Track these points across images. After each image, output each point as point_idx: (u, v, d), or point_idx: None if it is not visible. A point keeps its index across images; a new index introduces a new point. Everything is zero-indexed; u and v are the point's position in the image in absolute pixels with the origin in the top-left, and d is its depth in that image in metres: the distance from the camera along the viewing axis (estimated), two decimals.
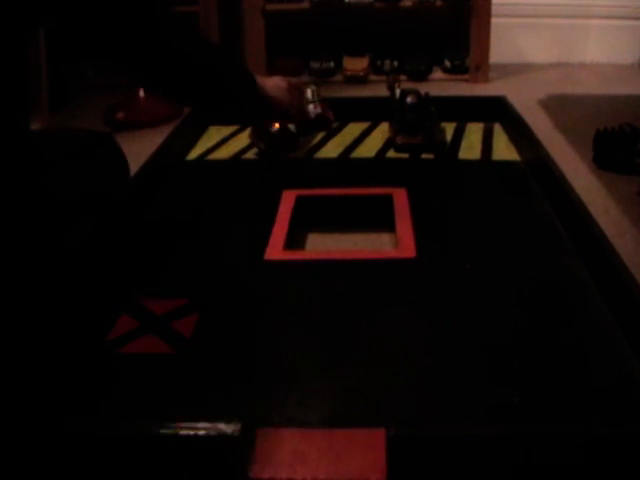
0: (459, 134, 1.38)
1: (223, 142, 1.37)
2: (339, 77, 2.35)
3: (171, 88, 1.03)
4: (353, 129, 1.43)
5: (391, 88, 1.42)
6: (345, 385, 0.67)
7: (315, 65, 2.36)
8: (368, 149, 1.32)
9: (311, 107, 1.38)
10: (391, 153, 1.29)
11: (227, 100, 1.09)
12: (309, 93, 1.39)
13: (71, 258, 0.83)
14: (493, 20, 2.28)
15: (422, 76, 2.30)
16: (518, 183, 1.15)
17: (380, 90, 2.20)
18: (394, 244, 0.98)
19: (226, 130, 1.42)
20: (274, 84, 1.20)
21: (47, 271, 0.80)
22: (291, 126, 1.29)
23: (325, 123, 1.41)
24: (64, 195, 0.93)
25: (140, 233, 0.99)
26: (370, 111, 1.48)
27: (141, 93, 1.96)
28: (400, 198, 1.07)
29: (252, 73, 1.13)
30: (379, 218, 1.06)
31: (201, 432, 0.53)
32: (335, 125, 1.44)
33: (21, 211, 0.88)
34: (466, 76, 2.31)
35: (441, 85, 2.25)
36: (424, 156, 1.27)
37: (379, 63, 2.35)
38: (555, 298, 0.81)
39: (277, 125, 1.27)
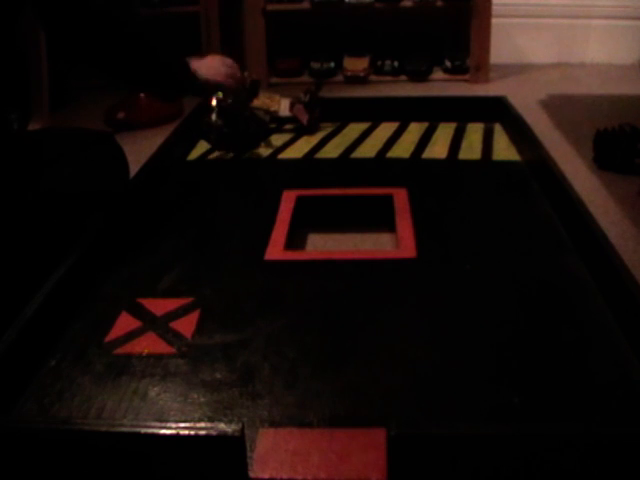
0: (459, 134, 1.38)
1: None
2: (339, 77, 2.35)
3: (103, 56, 1.03)
4: (353, 129, 1.43)
5: None
6: (345, 385, 0.67)
7: (315, 65, 2.36)
8: (368, 149, 1.32)
9: (285, 105, 1.39)
10: (391, 153, 1.29)
11: (159, 73, 1.11)
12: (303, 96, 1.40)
13: (71, 256, 0.83)
14: (493, 20, 2.28)
15: (422, 76, 2.30)
16: (518, 183, 1.15)
17: (380, 90, 2.22)
18: (394, 244, 0.98)
19: None
20: (209, 65, 1.23)
21: (47, 269, 0.80)
22: (230, 99, 1.24)
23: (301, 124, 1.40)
24: (64, 193, 0.93)
25: (140, 233, 0.99)
26: (370, 111, 1.48)
27: (141, 93, 1.95)
28: (400, 198, 1.07)
29: (183, 56, 1.16)
30: (379, 218, 1.06)
31: (201, 432, 0.53)
32: (335, 125, 1.44)
33: (19, 210, 0.88)
34: (466, 76, 2.31)
35: (441, 85, 2.25)
36: (424, 156, 1.27)
37: (379, 63, 2.35)
38: (555, 298, 0.81)
39: (214, 100, 1.23)
